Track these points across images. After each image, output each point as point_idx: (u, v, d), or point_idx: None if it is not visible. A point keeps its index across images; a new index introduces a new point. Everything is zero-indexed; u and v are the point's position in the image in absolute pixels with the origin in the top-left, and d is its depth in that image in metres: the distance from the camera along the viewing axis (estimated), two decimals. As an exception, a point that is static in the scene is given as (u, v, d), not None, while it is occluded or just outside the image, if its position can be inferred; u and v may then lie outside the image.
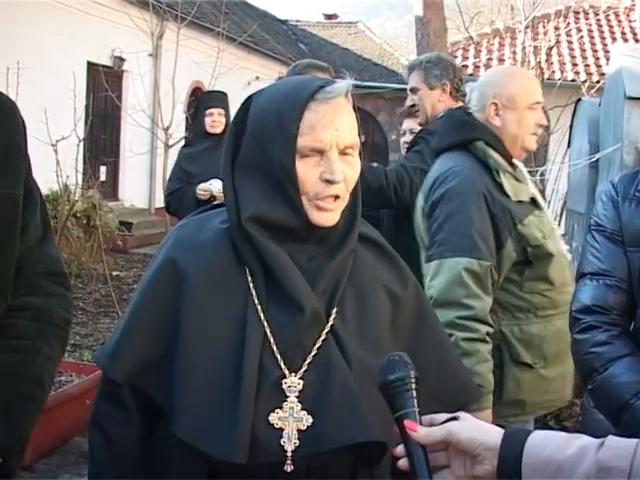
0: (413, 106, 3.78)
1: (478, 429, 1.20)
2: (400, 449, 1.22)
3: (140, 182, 14.91)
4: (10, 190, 1.52)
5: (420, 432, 1.20)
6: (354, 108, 1.49)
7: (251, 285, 1.46)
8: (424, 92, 3.69)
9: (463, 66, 16.22)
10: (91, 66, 12.95)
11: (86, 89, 11.98)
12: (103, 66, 12.86)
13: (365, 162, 3.59)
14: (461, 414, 1.24)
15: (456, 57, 16.86)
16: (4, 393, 1.47)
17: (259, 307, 1.44)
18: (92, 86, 12.73)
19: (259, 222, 1.45)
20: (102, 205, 9.89)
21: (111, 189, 14.34)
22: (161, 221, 11.12)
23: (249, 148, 1.48)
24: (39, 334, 1.54)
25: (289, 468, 1.37)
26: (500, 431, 1.19)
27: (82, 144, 7.96)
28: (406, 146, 4.11)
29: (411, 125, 4.23)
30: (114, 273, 9.29)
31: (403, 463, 1.22)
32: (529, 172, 7.78)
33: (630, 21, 19.36)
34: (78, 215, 9.12)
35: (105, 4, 12.90)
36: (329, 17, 30.00)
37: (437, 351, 1.58)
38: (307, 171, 1.42)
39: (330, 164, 1.42)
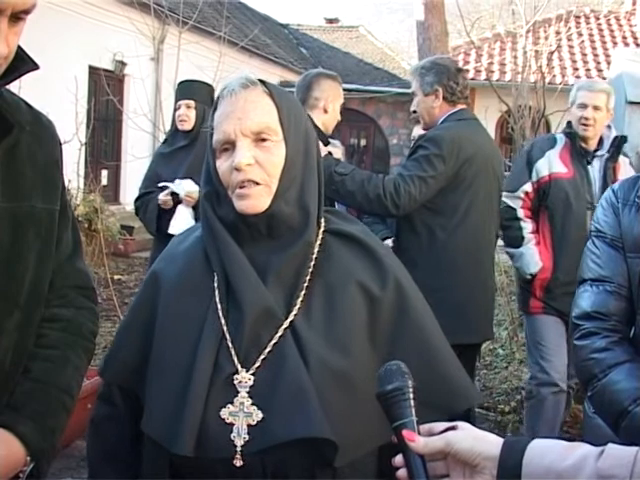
0: (415, 111, 3.84)
1: (477, 439, 1.20)
2: (399, 459, 1.22)
3: (141, 186, 14.92)
4: (50, 205, 1.58)
5: (419, 442, 1.20)
6: (272, 95, 1.53)
7: (215, 285, 1.52)
8: (420, 98, 3.78)
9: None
10: (93, 70, 12.96)
11: (88, 93, 12.00)
12: (105, 70, 12.87)
13: (366, 170, 3.63)
14: (460, 423, 1.24)
15: (457, 61, 16.87)
16: (36, 400, 1.53)
17: (219, 306, 1.50)
18: (94, 90, 12.75)
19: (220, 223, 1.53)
20: (104, 209, 9.89)
21: (113, 193, 14.34)
22: (162, 225, 11.12)
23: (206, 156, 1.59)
24: (68, 345, 1.61)
25: (238, 463, 1.40)
26: (499, 440, 1.19)
27: (84, 148, 7.98)
28: None
29: (420, 132, 4.28)
30: (115, 277, 9.30)
31: (402, 473, 1.22)
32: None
33: (631, 25, 19.37)
34: (80, 219, 9.12)
35: (107, 8, 12.92)
36: (330, 21, 30.01)
37: (421, 354, 1.54)
38: (222, 164, 1.50)
39: (236, 151, 1.48)
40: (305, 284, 1.52)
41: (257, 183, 1.48)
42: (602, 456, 1.11)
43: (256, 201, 1.48)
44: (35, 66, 1.51)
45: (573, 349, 1.99)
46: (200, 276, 1.55)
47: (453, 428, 1.23)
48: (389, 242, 3.91)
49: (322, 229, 1.59)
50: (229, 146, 1.49)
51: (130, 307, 1.67)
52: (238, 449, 1.40)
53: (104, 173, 13.87)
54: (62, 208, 1.63)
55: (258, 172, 1.48)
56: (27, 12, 1.38)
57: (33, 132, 1.58)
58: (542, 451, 1.15)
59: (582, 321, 1.94)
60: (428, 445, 1.20)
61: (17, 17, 1.37)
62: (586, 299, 1.96)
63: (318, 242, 1.57)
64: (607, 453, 1.11)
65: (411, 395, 1.24)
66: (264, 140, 1.49)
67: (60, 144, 1.69)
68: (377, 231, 3.99)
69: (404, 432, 1.21)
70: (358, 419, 1.26)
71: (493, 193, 3.81)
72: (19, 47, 1.46)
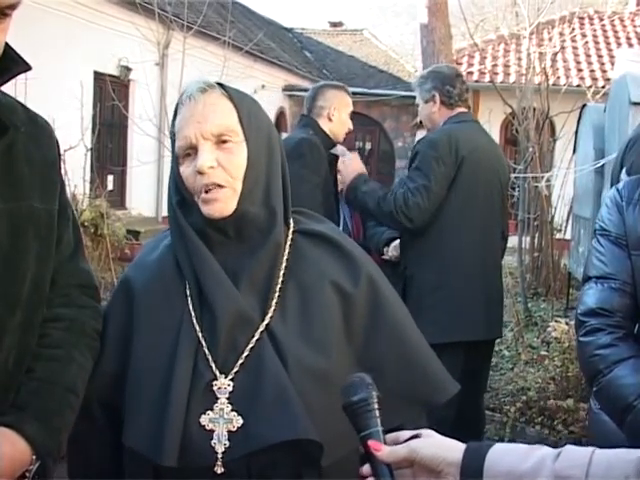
0: (422, 122, 3.96)
1: (440, 445, 1.22)
2: (367, 468, 1.24)
3: (147, 191, 14.94)
4: (48, 205, 1.58)
5: (384, 451, 1.22)
6: (231, 97, 1.53)
7: (188, 292, 1.52)
8: (421, 106, 3.94)
9: (468, 73, 16.23)
10: (98, 76, 13.00)
11: (93, 98, 12.03)
12: (110, 75, 12.90)
13: (380, 188, 3.70)
14: (424, 431, 1.26)
15: (461, 64, 16.88)
16: (41, 399, 1.52)
17: (193, 313, 1.50)
18: (99, 95, 12.79)
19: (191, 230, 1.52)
20: (110, 214, 9.90)
21: (119, 198, 14.37)
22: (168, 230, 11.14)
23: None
24: (72, 344, 1.59)
25: (219, 470, 1.40)
26: (462, 446, 1.20)
27: (89, 153, 8.00)
28: None
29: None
30: (122, 281, 9.30)
31: None
32: (534, 178, 7.80)
33: (635, 26, 19.34)
34: (86, 224, 9.14)
35: (111, 14, 12.96)
36: (334, 25, 30.03)
37: (396, 346, 1.54)
38: (186, 170, 1.51)
39: (198, 155, 1.48)
40: (278, 286, 1.52)
41: (221, 186, 1.48)
42: (559, 458, 1.12)
43: (222, 204, 1.48)
44: (27, 67, 1.52)
45: (578, 345, 2.01)
46: (172, 284, 1.54)
47: (417, 436, 1.25)
48: (396, 243, 3.93)
49: (291, 229, 1.60)
50: (191, 151, 1.49)
51: (104, 317, 1.64)
52: (219, 456, 1.40)
53: (110, 178, 13.90)
54: (61, 207, 1.63)
55: (221, 174, 1.48)
56: (13, 7, 1.37)
57: (29, 132, 1.58)
58: (503, 455, 1.16)
59: (587, 318, 1.96)
60: (393, 453, 1.22)
61: (3, 13, 1.36)
62: (591, 296, 1.98)
63: (288, 243, 1.57)
64: (564, 454, 1.13)
65: (376, 406, 1.26)
66: (225, 142, 1.49)
67: (58, 144, 1.69)
68: (381, 233, 4.02)
69: (370, 442, 1.23)
70: (340, 417, 1.27)
71: (494, 194, 3.84)
72: (11, 48, 1.47)
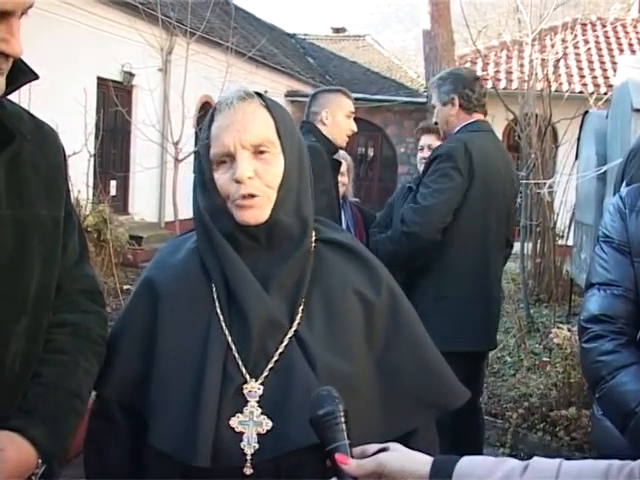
0: (437, 123, 3.90)
1: (407, 459, 1.22)
2: None
3: (150, 196, 14.96)
4: (54, 212, 1.59)
5: (351, 464, 1.23)
6: (268, 108, 1.55)
7: (215, 296, 1.53)
8: (438, 109, 3.85)
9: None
10: (101, 81, 13.03)
11: (96, 104, 12.08)
12: (113, 81, 12.95)
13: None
14: (392, 445, 1.26)
15: (464, 70, 16.87)
16: (47, 404, 1.53)
17: (221, 317, 1.51)
18: (102, 101, 12.83)
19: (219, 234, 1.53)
20: (112, 219, 9.91)
21: (121, 203, 14.39)
22: (171, 235, 11.16)
23: (196, 168, 1.61)
24: (78, 349, 1.60)
25: (248, 471, 1.41)
26: (429, 459, 1.21)
27: (93, 159, 8.03)
28: (423, 161, 4.23)
29: (429, 141, 4.33)
30: (125, 287, 9.31)
31: None
32: (537, 184, 7.79)
33: (637, 33, 19.38)
34: (89, 229, 9.16)
35: (114, 20, 12.99)
36: (337, 30, 30.08)
37: (415, 353, 1.58)
38: (221, 176, 1.52)
39: (236, 164, 1.50)
40: (305, 293, 1.54)
41: (257, 195, 1.50)
42: (526, 471, 1.12)
43: (257, 211, 1.50)
44: (35, 76, 1.53)
45: (581, 352, 2.02)
46: (198, 286, 1.55)
47: (385, 449, 1.25)
48: None
49: (314, 238, 1.61)
50: (227, 158, 1.51)
51: (121, 316, 1.65)
52: (248, 457, 1.41)
53: (113, 183, 13.92)
54: (67, 214, 1.64)
55: (258, 185, 1.50)
56: (27, 10, 1.39)
57: (35, 140, 1.59)
58: (471, 468, 1.16)
59: (590, 324, 1.97)
60: (360, 467, 1.22)
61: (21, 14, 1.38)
62: (594, 302, 1.99)
63: (312, 250, 1.59)
64: (531, 467, 1.13)
65: (342, 419, 1.27)
66: (262, 152, 1.51)
67: (64, 151, 1.70)
68: (382, 240, 4.02)
69: (337, 455, 1.24)
70: (364, 420, 1.28)
71: (501, 207, 3.81)
72: (20, 58, 1.48)
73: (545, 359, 6.09)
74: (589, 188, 7.12)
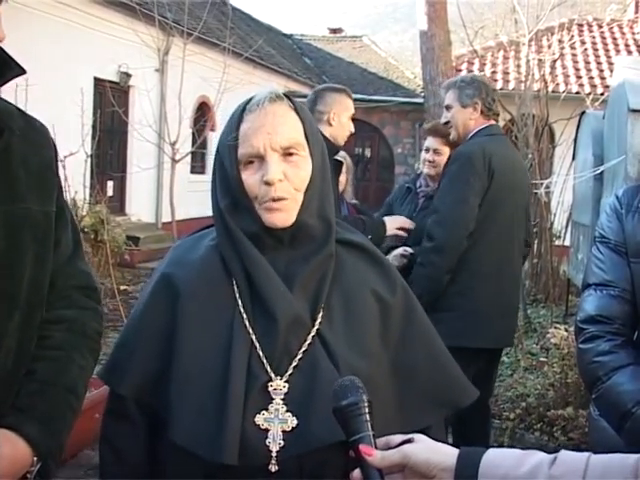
0: (447, 123, 3.91)
1: (433, 451, 1.21)
2: (357, 473, 1.24)
3: (147, 197, 14.96)
4: (45, 208, 1.59)
5: (376, 456, 1.22)
6: (297, 110, 1.56)
7: (237, 295, 1.53)
8: (457, 110, 3.85)
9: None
10: (98, 82, 13.02)
11: (93, 105, 12.05)
12: (110, 82, 12.92)
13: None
14: (416, 436, 1.26)
15: (460, 70, 16.90)
16: (42, 401, 1.53)
17: (244, 315, 1.51)
18: (99, 102, 12.82)
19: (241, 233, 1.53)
20: (109, 220, 9.89)
21: (118, 204, 14.38)
22: (168, 235, 11.16)
23: (216, 167, 1.60)
24: (73, 345, 1.61)
25: (274, 468, 1.42)
26: (455, 451, 1.20)
27: (89, 159, 8.01)
28: (427, 163, 4.24)
29: (436, 145, 4.31)
30: (122, 287, 9.31)
31: None
32: (534, 185, 7.81)
33: (633, 33, 19.41)
34: (86, 230, 9.14)
35: (111, 20, 12.99)
36: (334, 31, 30.11)
37: (427, 350, 1.60)
38: (250, 177, 1.51)
39: (266, 166, 1.50)
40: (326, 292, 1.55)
41: (286, 198, 1.50)
42: (555, 463, 1.12)
43: (286, 214, 1.51)
44: (22, 70, 1.53)
45: (577, 352, 2.02)
46: (219, 284, 1.55)
47: (410, 441, 1.24)
48: (396, 252, 3.94)
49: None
50: (255, 159, 1.51)
51: (138, 312, 1.61)
52: (273, 454, 1.42)
53: (110, 184, 13.92)
54: (59, 210, 1.64)
55: (287, 187, 1.50)
56: None
57: (25, 136, 1.59)
58: (498, 460, 1.16)
59: (586, 325, 1.97)
60: (385, 458, 1.21)
61: None
62: (590, 303, 1.99)
63: (334, 252, 1.61)
64: (560, 460, 1.13)
65: (366, 410, 1.26)
66: (291, 155, 1.52)
67: (55, 147, 1.70)
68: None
69: (361, 446, 1.23)
70: (379, 418, 1.28)
71: (518, 208, 3.88)
72: (4, 51, 1.48)
73: (542, 359, 6.10)
74: (586, 188, 7.12)
